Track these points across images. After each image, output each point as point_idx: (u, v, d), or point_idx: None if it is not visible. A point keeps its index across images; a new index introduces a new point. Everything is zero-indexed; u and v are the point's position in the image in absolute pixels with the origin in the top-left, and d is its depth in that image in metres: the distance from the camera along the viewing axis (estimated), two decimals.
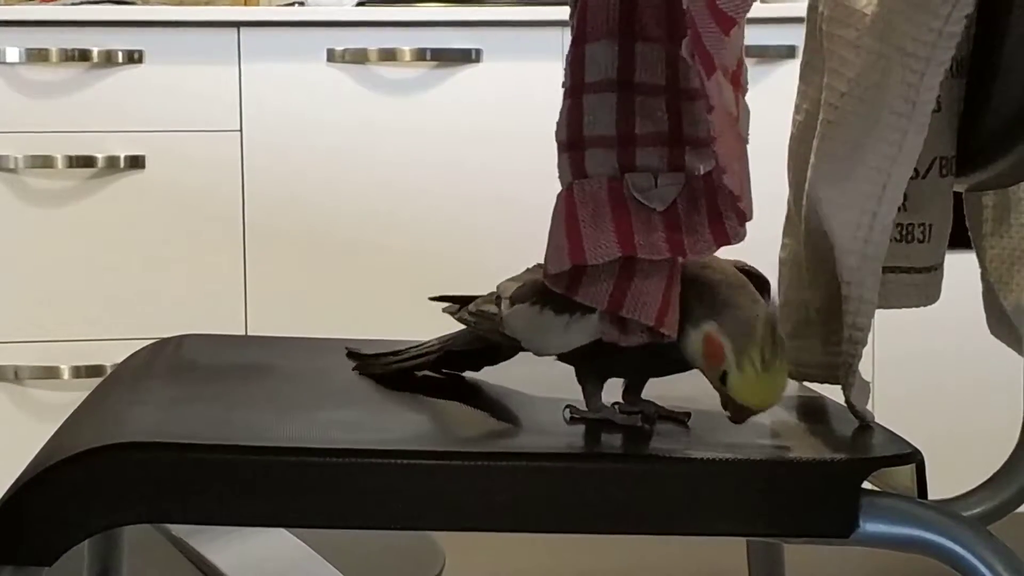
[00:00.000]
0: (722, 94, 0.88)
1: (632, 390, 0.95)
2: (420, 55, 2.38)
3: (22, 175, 2.32)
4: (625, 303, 0.89)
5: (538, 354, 0.97)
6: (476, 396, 1.03)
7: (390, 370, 1.07)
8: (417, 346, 1.08)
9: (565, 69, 0.92)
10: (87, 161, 2.32)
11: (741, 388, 0.87)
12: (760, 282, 0.95)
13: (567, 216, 0.89)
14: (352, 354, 1.13)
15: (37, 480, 0.80)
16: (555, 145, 0.92)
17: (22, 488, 0.80)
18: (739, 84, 0.92)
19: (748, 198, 0.89)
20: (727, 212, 0.89)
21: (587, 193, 0.90)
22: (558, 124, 0.91)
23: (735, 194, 0.88)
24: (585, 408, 0.93)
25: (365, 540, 1.60)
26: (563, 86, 0.92)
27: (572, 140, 0.91)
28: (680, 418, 0.93)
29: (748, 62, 2.34)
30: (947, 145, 0.99)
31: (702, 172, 0.89)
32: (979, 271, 1.09)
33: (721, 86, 0.88)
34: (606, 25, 0.91)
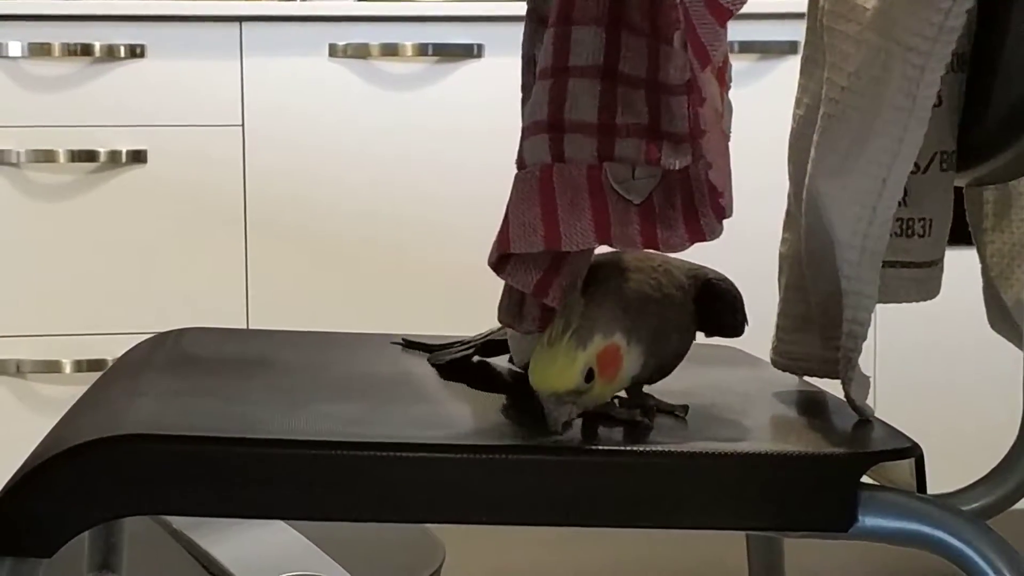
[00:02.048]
0: (709, 89, 0.88)
1: (632, 386, 0.95)
2: (422, 50, 2.38)
3: (24, 169, 2.32)
4: (550, 292, 0.89)
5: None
6: (476, 390, 1.03)
7: (453, 359, 1.07)
8: (482, 335, 1.09)
9: (545, 47, 0.91)
10: (89, 155, 2.33)
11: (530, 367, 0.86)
12: (729, 297, 0.94)
13: (543, 198, 0.89)
14: (411, 344, 1.13)
15: (37, 472, 0.80)
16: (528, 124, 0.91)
17: (22, 480, 0.81)
18: (723, 80, 0.92)
19: (729, 195, 0.89)
20: (704, 209, 0.88)
21: (566, 178, 0.89)
22: (535, 102, 0.90)
23: (718, 189, 0.88)
24: None
25: (365, 534, 1.60)
26: (541, 63, 0.91)
27: (552, 122, 0.90)
28: (677, 412, 0.93)
29: (751, 57, 2.34)
30: (948, 140, 0.99)
31: (678, 167, 0.88)
32: (979, 266, 1.09)
33: (709, 81, 0.88)
34: (595, 10, 0.90)
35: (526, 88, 1.00)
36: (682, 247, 0.89)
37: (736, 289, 0.96)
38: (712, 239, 0.89)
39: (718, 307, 0.94)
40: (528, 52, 0.99)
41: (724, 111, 0.93)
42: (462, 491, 0.82)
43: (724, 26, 0.86)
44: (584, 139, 0.90)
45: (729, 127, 0.94)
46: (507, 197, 1.01)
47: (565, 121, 0.90)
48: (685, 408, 0.93)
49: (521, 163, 0.90)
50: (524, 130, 0.91)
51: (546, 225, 0.88)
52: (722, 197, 0.88)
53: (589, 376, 0.85)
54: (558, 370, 0.85)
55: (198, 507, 0.83)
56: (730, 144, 0.93)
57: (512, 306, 0.92)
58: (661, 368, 0.92)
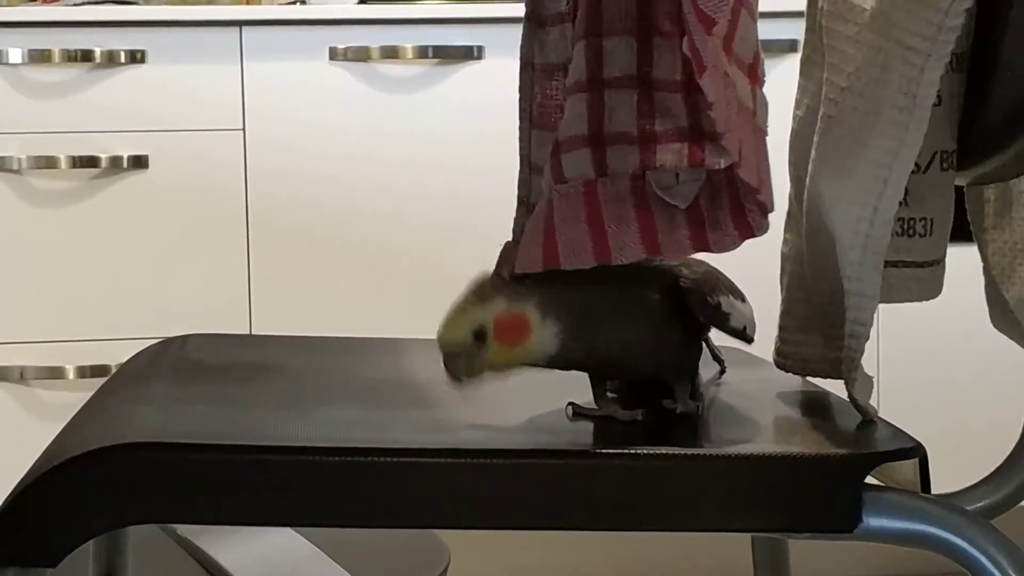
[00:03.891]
0: (737, 87, 0.88)
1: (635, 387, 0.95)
2: (422, 52, 2.38)
3: (25, 176, 2.33)
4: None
5: None
6: (479, 393, 1.03)
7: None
8: None
9: (576, 61, 0.91)
10: (90, 161, 2.33)
11: None
12: (695, 298, 0.91)
13: (589, 214, 0.89)
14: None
15: (41, 480, 0.80)
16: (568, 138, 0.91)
17: (26, 488, 0.81)
18: (756, 77, 0.92)
19: (768, 189, 0.89)
20: (749, 205, 0.89)
21: (610, 193, 0.90)
22: (572, 117, 0.90)
23: (752, 186, 0.88)
24: (586, 405, 0.93)
25: (370, 538, 1.60)
26: (573, 76, 0.91)
27: (593, 136, 0.90)
28: (683, 409, 0.93)
29: None
30: (948, 139, 0.99)
31: (723, 166, 0.88)
32: (981, 264, 1.09)
33: (736, 79, 0.88)
34: (624, 20, 0.90)
35: (523, 90, 1.00)
36: (733, 246, 0.89)
37: (707, 287, 0.92)
38: (761, 234, 0.89)
39: (693, 311, 0.91)
40: (527, 55, 0.99)
41: (758, 107, 0.92)
42: (467, 496, 0.82)
43: (710, 33, 0.86)
44: (626, 150, 0.90)
45: (765, 122, 0.93)
46: (509, 198, 1.01)
47: (605, 134, 0.90)
48: (698, 407, 0.92)
49: (561, 177, 0.91)
50: (561, 144, 0.91)
51: (595, 240, 0.89)
52: (760, 193, 0.88)
53: (481, 336, 0.86)
54: (450, 325, 0.87)
55: (203, 515, 0.83)
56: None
57: None
58: (606, 356, 0.91)
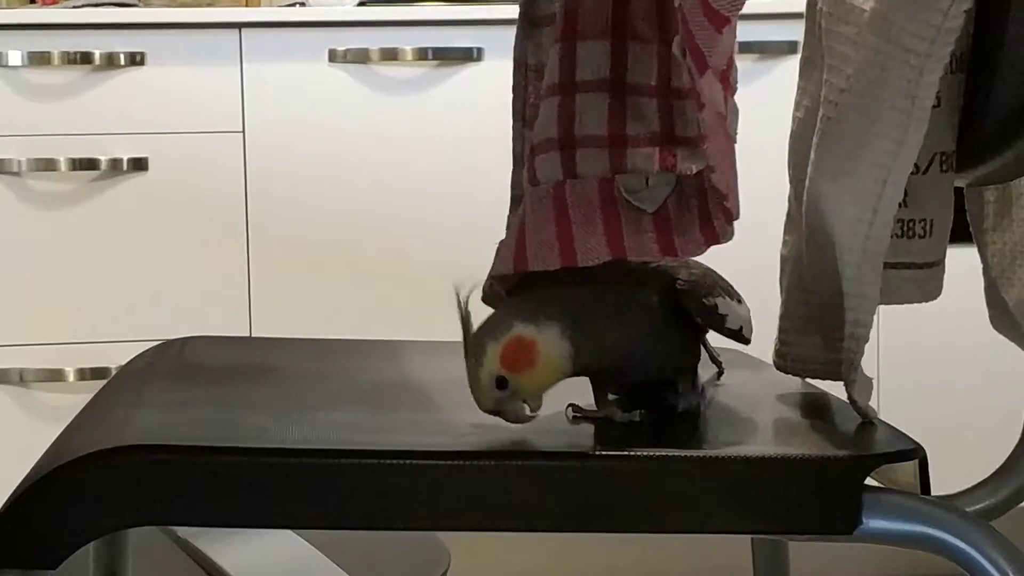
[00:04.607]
0: (712, 93, 0.88)
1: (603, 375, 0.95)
2: (422, 54, 2.38)
3: (25, 178, 2.33)
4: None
5: None
6: None
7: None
8: None
9: (551, 65, 0.91)
10: (90, 164, 2.33)
11: None
12: (692, 302, 0.91)
13: (557, 216, 0.90)
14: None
15: (42, 483, 0.81)
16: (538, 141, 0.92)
17: (27, 491, 0.81)
18: (728, 84, 0.92)
19: (735, 197, 0.90)
20: (716, 211, 0.89)
21: (578, 194, 0.90)
22: (544, 120, 0.91)
23: (723, 193, 0.88)
24: (586, 406, 0.93)
25: (370, 540, 1.60)
26: (548, 81, 0.91)
27: (563, 139, 0.91)
28: (683, 406, 0.92)
29: (750, 58, 2.34)
30: (947, 141, 0.99)
31: (693, 172, 0.89)
32: (981, 266, 1.09)
33: (711, 85, 0.88)
34: (599, 24, 0.91)
35: (516, 89, 1.00)
36: (699, 251, 0.89)
37: (703, 288, 0.91)
38: (725, 241, 0.89)
39: (690, 312, 0.91)
40: (520, 55, 1.00)
41: (729, 114, 0.93)
42: (467, 498, 0.82)
43: (721, 32, 0.86)
44: (596, 153, 0.90)
45: (735, 130, 0.94)
46: (508, 200, 1.01)
47: (575, 137, 0.90)
48: (699, 403, 0.92)
49: (534, 180, 0.91)
50: (535, 147, 0.91)
51: (561, 242, 0.89)
52: (727, 200, 0.89)
53: (502, 383, 0.86)
54: (477, 393, 0.86)
55: (203, 517, 0.83)
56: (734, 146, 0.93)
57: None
58: (611, 353, 0.90)
